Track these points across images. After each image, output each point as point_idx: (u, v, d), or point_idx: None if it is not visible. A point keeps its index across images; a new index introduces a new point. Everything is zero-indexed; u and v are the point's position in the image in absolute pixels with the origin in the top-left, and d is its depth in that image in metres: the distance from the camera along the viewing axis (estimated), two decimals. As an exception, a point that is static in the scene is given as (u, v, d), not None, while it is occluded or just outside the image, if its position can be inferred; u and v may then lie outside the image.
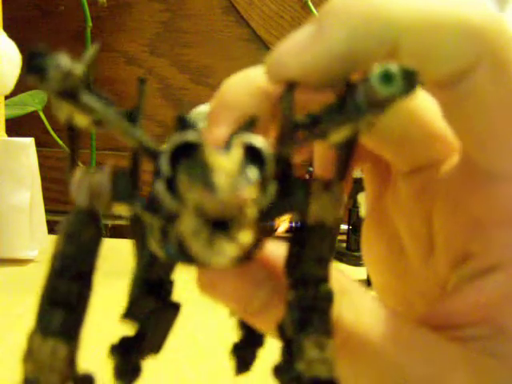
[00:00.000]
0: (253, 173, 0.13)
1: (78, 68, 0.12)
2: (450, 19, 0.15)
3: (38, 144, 0.73)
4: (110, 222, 0.89)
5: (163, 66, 0.95)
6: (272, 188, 0.13)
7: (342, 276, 0.15)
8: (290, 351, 0.13)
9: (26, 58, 0.12)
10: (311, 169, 0.68)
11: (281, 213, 0.14)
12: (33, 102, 0.82)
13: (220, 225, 0.12)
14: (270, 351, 0.15)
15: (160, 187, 0.13)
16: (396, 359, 0.15)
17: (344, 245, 0.78)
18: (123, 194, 0.14)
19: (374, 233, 0.21)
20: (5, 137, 0.73)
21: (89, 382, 0.13)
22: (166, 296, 0.17)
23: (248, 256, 0.14)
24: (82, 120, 0.13)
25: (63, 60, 0.12)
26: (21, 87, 0.74)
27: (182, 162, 0.13)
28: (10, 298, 0.56)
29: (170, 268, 0.17)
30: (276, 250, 0.15)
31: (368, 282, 0.69)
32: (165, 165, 0.13)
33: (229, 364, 0.18)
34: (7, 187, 0.70)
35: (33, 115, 0.82)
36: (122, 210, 0.14)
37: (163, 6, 0.95)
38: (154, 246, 0.14)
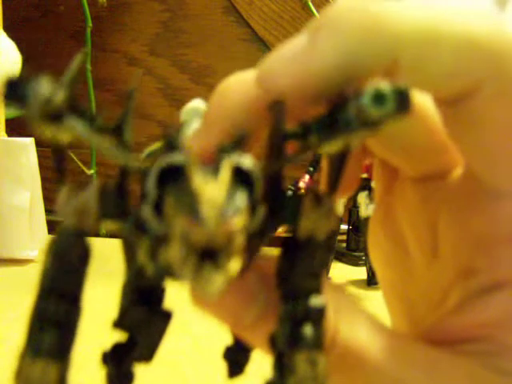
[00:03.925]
0: (241, 199, 0.12)
1: (60, 93, 0.12)
2: (453, 33, 0.14)
3: (38, 144, 0.73)
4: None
5: (163, 66, 0.95)
6: (261, 210, 0.13)
7: (338, 292, 0.15)
8: (282, 366, 0.13)
9: (6, 86, 0.11)
10: (311, 169, 0.68)
11: (272, 230, 0.14)
12: (33, 101, 0.82)
13: (208, 254, 0.12)
14: (264, 355, 0.15)
15: (146, 211, 0.13)
16: (396, 374, 0.15)
17: (344, 245, 0.78)
18: (111, 211, 0.14)
19: (380, 228, 0.21)
20: (5, 137, 0.73)
21: None
22: (157, 304, 0.17)
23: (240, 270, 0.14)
24: (67, 136, 0.13)
25: (43, 86, 0.11)
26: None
27: (170, 185, 0.12)
28: (10, 298, 0.56)
29: (161, 276, 0.17)
30: (269, 261, 0.15)
31: (368, 282, 0.69)
32: (151, 188, 0.12)
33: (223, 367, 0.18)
34: (7, 187, 0.70)
35: (33, 115, 0.82)
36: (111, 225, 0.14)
37: (163, 6, 0.95)
38: (143, 259, 0.13)
